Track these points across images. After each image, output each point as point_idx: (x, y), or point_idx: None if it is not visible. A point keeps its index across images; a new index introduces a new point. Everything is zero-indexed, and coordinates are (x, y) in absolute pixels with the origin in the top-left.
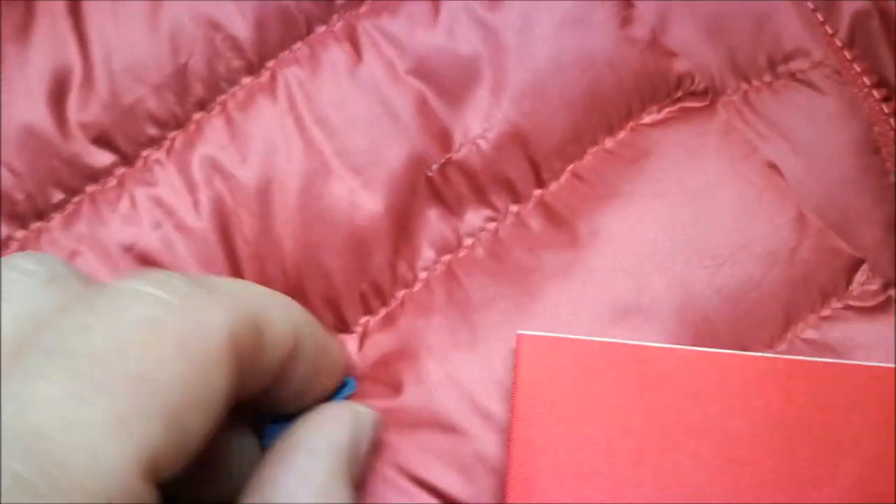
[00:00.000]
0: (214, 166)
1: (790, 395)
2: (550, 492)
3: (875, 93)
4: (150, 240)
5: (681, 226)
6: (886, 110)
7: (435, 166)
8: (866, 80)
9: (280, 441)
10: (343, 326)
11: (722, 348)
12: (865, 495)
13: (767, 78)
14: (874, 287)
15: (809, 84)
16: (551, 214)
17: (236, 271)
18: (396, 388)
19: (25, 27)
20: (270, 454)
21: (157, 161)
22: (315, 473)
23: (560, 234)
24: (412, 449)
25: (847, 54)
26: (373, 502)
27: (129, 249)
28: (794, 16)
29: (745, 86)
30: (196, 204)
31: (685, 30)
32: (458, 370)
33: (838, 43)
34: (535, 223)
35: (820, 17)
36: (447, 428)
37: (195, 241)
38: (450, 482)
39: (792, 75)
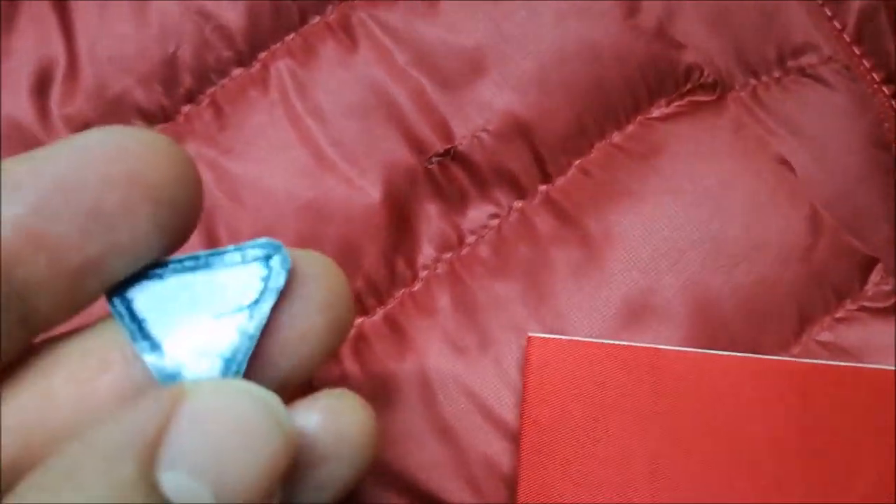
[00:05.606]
0: (203, 159)
1: (807, 399)
2: (562, 498)
3: (885, 89)
4: None
5: (695, 224)
6: None
7: (435, 158)
8: (876, 76)
9: None
10: None
11: (737, 351)
12: (885, 499)
13: (776, 73)
14: (888, 287)
15: (819, 80)
16: (558, 212)
17: None
18: (398, 396)
19: (9, 17)
20: None
21: None
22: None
23: (569, 232)
24: (416, 459)
25: (856, 50)
26: None
27: None
28: (801, 10)
29: (753, 81)
30: None
31: (691, 23)
32: (466, 375)
33: (847, 38)
34: (542, 221)
35: (828, 11)
36: (454, 436)
37: None
38: (458, 494)
39: (801, 71)
